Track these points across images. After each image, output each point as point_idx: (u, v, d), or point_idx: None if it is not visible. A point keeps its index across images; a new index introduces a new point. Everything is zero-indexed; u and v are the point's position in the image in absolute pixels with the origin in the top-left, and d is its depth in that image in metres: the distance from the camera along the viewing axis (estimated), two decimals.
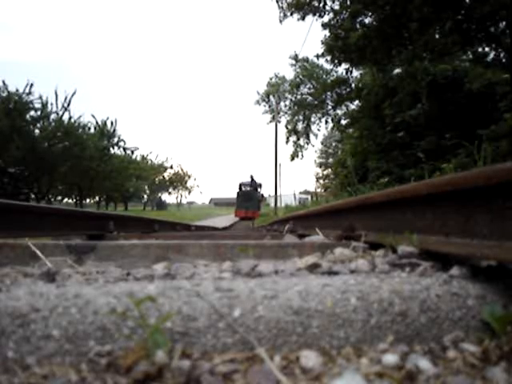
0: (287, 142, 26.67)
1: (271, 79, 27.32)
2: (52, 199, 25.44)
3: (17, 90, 19.48)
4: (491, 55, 13.47)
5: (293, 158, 26.62)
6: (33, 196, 21.53)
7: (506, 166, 0.86)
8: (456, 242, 1.06)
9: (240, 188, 26.78)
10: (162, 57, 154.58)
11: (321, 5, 14.08)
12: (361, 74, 18.30)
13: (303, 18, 14.81)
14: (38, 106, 20.38)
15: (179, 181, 60.96)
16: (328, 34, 14.53)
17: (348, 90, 20.43)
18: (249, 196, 25.37)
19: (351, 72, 16.68)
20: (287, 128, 26.47)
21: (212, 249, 1.76)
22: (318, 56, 15.98)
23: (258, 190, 27.51)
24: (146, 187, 48.33)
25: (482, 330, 0.80)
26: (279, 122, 26.22)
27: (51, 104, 21.12)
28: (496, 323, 0.78)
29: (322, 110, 24.23)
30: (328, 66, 20.05)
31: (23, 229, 2.47)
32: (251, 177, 27.20)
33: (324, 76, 23.43)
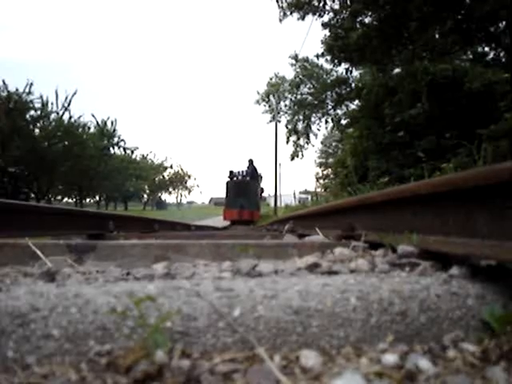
0: (287, 142, 26.65)
1: (271, 79, 27.32)
2: (52, 199, 25.44)
3: (17, 90, 19.49)
4: (491, 55, 13.48)
5: (293, 158, 26.60)
6: (32, 195, 21.53)
7: (505, 165, 0.86)
8: (456, 242, 1.06)
9: (231, 177, 17.74)
10: (161, 57, 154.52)
11: (321, 4, 14.08)
12: (361, 73, 18.31)
13: (303, 18, 14.81)
14: (38, 105, 20.41)
15: (179, 180, 60.99)
16: (328, 33, 14.54)
17: (348, 89, 20.43)
18: (244, 188, 16.67)
19: (351, 72, 16.69)
20: (287, 128, 26.44)
21: (212, 248, 1.76)
22: (317, 56, 15.99)
23: (258, 181, 18.91)
24: (146, 187, 48.38)
25: (482, 330, 0.80)
26: (279, 121, 26.19)
27: (51, 104, 21.15)
28: (496, 323, 0.78)
29: (322, 109, 24.21)
30: (328, 66, 20.09)
31: (23, 228, 2.47)
32: (250, 161, 18.32)
33: (324, 76, 23.41)
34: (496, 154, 6.02)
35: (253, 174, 18.13)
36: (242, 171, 18.04)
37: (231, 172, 18.04)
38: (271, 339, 0.76)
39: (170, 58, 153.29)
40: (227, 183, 17.25)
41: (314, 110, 24.60)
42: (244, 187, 16.86)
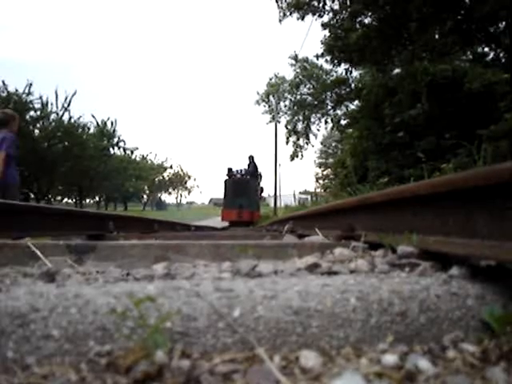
0: (287, 142, 26.67)
1: (271, 79, 27.36)
2: (52, 199, 25.43)
3: (16, 90, 19.50)
4: (491, 55, 13.49)
5: (293, 159, 26.62)
6: (32, 196, 21.52)
7: (505, 165, 0.86)
8: (456, 242, 1.06)
9: (230, 175, 15.94)
10: (162, 57, 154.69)
11: (320, 5, 14.10)
12: (360, 74, 18.33)
13: (303, 18, 14.83)
14: (37, 106, 20.41)
15: (179, 181, 61.05)
16: (328, 34, 14.55)
17: (348, 90, 20.45)
18: (244, 186, 15.10)
19: (351, 72, 16.73)
20: (287, 128, 26.47)
21: (212, 249, 1.76)
22: (317, 56, 16.00)
23: (258, 179, 16.83)
24: (146, 187, 48.41)
25: (482, 330, 0.80)
26: (279, 122, 26.18)
27: (51, 104, 21.17)
28: (495, 323, 0.78)
29: (321, 110, 24.22)
30: (328, 66, 20.08)
31: (23, 229, 2.46)
32: (251, 158, 16.46)
33: (324, 76, 23.43)
34: (496, 154, 6.03)
35: (254, 171, 16.18)
36: (241, 170, 16.25)
37: (230, 170, 16.12)
38: (271, 340, 0.76)
39: (170, 59, 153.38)
40: (225, 181, 15.50)
41: (313, 110, 24.62)
42: (244, 186, 15.17)
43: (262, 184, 17.65)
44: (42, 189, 22.00)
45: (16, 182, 5.28)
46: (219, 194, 13.92)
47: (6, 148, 5.07)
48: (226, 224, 13.70)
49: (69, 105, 21.46)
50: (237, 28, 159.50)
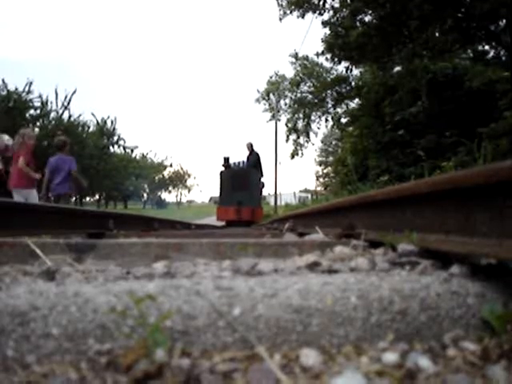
0: (287, 141, 26.67)
1: (271, 77, 27.35)
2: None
3: (16, 89, 19.49)
4: (491, 53, 13.49)
5: (293, 157, 26.61)
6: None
7: (505, 164, 0.86)
8: (456, 241, 1.06)
9: (226, 166, 12.95)
10: (162, 55, 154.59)
11: (321, 3, 14.08)
12: (361, 72, 18.33)
13: (303, 16, 14.83)
14: (37, 104, 20.43)
15: (179, 179, 61.07)
16: (328, 32, 14.54)
17: (348, 88, 20.46)
18: (244, 179, 12.06)
19: (351, 70, 16.68)
20: (287, 126, 26.45)
21: (212, 247, 1.76)
22: (317, 54, 15.99)
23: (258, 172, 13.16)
24: (146, 186, 48.44)
25: (482, 329, 0.80)
26: (279, 120, 26.18)
27: (51, 102, 21.19)
28: (496, 321, 0.78)
29: (322, 108, 24.21)
30: (328, 64, 20.04)
31: (23, 227, 2.46)
32: (250, 146, 13.20)
33: (324, 74, 23.41)
34: (496, 152, 6.03)
35: (255, 161, 13.11)
36: (238, 162, 13.42)
37: (226, 159, 13.02)
38: (271, 338, 0.76)
39: (170, 57, 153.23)
40: (221, 173, 12.61)
41: (314, 108, 24.60)
42: (243, 178, 12.16)
43: (262, 179, 14.51)
44: (42, 187, 22.02)
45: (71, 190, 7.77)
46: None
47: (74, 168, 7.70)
48: (225, 223, 11.91)
49: (68, 103, 21.53)
50: (237, 26, 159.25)
